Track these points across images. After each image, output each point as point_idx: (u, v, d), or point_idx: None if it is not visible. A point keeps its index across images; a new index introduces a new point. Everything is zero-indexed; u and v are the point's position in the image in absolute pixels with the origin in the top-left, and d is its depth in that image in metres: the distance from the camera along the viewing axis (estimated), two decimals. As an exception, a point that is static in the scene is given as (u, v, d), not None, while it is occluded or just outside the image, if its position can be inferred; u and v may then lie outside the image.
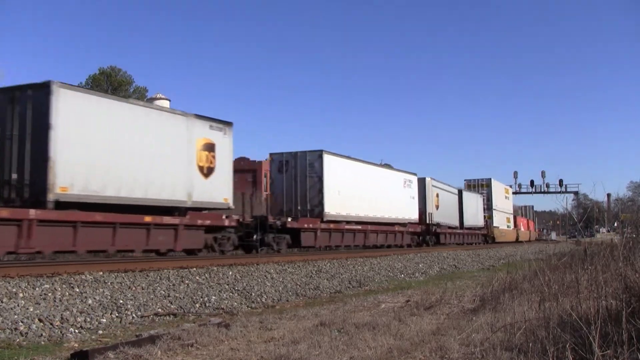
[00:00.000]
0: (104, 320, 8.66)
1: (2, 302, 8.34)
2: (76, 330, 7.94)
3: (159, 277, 11.58)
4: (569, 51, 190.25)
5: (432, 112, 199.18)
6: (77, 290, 9.67)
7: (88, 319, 8.46)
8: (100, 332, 8.09)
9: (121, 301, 9.62)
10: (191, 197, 16.18)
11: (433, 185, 34.32)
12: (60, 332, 7.75)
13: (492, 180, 50.84)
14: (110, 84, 47.32)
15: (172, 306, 10.09)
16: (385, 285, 16.01)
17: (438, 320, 7.71)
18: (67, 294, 9.34)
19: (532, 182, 77.47)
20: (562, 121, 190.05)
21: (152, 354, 5.92)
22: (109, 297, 9.67)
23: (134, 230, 14.43)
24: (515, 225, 59.22)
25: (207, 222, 16.86)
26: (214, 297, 11.16)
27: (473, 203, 43.89)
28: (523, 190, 77.59)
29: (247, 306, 11.14)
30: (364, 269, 18.03)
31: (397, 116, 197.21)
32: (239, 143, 72.16)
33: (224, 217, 17.64)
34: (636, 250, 7.34)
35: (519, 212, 75.85)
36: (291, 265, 15.89)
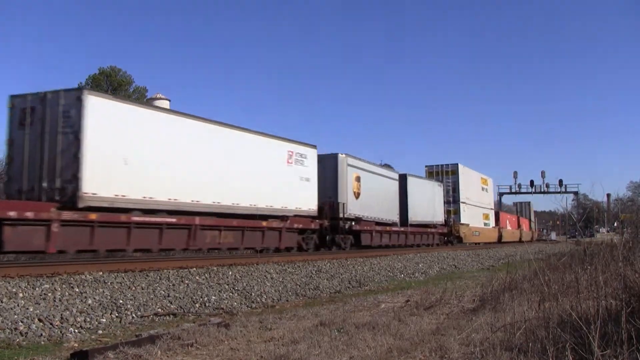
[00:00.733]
0: (104, 320, 8.66)
1: (2, 302, 8.34)
2: (76, 330, 7.94)
3: (158, 277, 11.58)
4: (569, 51, 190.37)
5: (431, 112, 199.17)
6: (77, 290, 9.67)
7: (88, 319, 8.46)
8: (100, 332, 8.10)
9: (121, 301, 9.62)
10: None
11: (351, 166, 24.74)
12: (60, 332, 7.75)
13: (460, 166, 41.28)
14: (110, 84, 47.26)
15: (172, 306, 10.10)
16: (385, 285, 16.02)
17: (438, 320, 7.71)
18: (67, 294, 9.34)
19: (532, 182, 77.36)
20: (562, 121, 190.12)
21: (152, 353, 5.92)
22: (109, 297, 9.67)
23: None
24: (498, 223, 51.37)
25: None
26: (213, 297, 11.16)
27: (426, 193, 34.38)
28: (523, 190, 77.52)
29: (247, 306, 11.14)
30: (363, 268, 18.03)
31: (396, 116, 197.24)
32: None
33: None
34: (636, 250, 7.36)
35: (515, 209, 73.83)
36: (291, 265, 15.89)
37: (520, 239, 58.88)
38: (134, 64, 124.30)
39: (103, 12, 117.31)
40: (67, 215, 12.48)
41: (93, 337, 7.72)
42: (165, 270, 12.26)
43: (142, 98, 45.75)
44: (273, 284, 13.30)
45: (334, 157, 24.08)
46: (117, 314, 9.05)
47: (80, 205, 12.90)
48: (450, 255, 26.16)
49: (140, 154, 14.58)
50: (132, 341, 6.33)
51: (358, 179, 25.38)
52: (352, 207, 24.48)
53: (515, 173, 78.25)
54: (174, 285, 11.30)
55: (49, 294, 9.11)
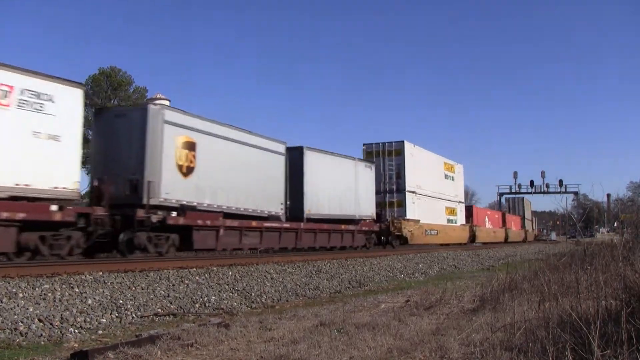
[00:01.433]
0: (104, 320, 8.66)
1: (2, 302, 8.34)
2: (76, 330, 7.94)
3: (158, 277, 11.58)
4: (569, 51, 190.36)
5: (429, 111, 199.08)
6: (77, 290, 9.67)
7: (88, 319, 8.45)
8: (100, 332, 8.09)
9: (121, 301, 9.62)
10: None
11: (173, 124, 16.65)
12: (60, 332, 7.75)
13: (407, 144, 31.60)
14: (110, 84, 47.27)
15: (171, 306, 10.10)
16: (385, 285, 16.02)
17: (438, 320, 7.70)
18: (67, 294, 9.33)
19: (532, 182, 77.46)
20: (562, 121, 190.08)
21: (152, 354, 5.92)
22: (109, 297, 9.67)
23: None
24: (471, 219, 43.60)
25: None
26: (213, 297, 11.16)
27: (341, 176, 25.57)
28: (523, 190, 77.55)
29: (247, 306, 11.14)
30: (363, 269, 18.04)
31: (396, 116, 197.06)
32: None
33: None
34: (636, 250, 7.36)
35: (507, 207, 69.89)
36: (291, 265, 15.90)
37: (505, 239, 51.69)
38: (134, 64, 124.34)
39: (103, 12, 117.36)
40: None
41: (93, 337, 7.71)
42: (165, 271, 12.26)
43: (142, 98, 45.75)
44: (273, 284, 13.30)
45: (142, 111, 16.51)
46: (117, 314, 9.05)
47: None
48: (450, 256, 26.23)
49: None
50: (132, 341, 6.32)
51: (190, 145, 17.18)
52: (174, 188, 16.47)
53: (515, 173, 78.43)
54: (173, 285, 11.30)
55: (49, 294, 9.11)
